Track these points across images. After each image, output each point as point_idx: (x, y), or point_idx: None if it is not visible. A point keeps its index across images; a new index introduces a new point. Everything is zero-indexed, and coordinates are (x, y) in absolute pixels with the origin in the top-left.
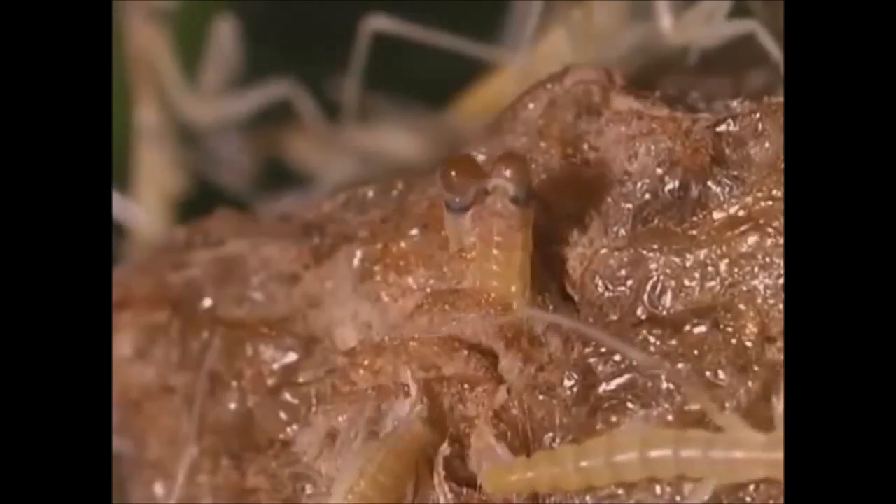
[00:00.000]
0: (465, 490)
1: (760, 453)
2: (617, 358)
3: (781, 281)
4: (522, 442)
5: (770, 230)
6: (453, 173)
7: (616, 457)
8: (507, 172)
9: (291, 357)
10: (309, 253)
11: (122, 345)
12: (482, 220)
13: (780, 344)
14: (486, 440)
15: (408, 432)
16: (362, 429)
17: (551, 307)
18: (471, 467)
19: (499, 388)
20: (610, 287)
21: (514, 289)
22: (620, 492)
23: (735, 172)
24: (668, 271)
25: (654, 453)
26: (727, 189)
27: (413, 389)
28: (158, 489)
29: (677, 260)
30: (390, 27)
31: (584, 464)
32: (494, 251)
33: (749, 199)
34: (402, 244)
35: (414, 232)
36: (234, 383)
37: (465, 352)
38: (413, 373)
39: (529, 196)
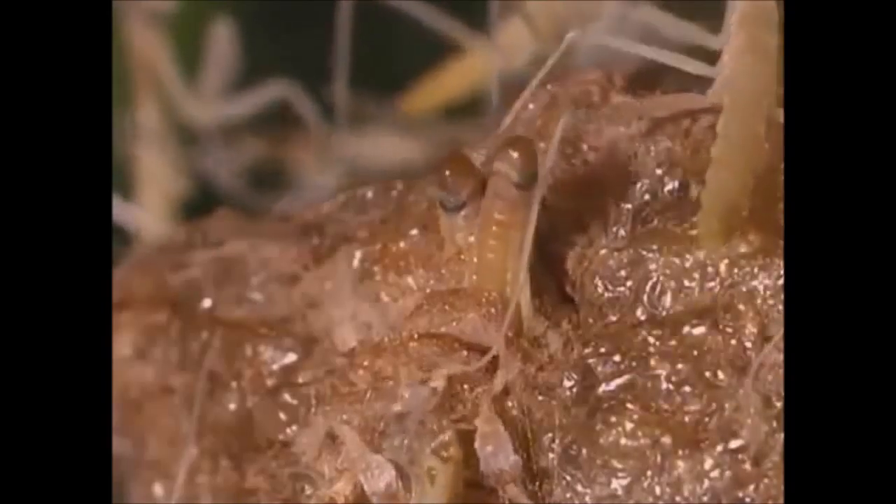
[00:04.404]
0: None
1: None
2: (617, 358)
3: (781, 281)
4: (522, 442)
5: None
6: (448, 172)
7: None
8: (514, 155)
9: (291, 357)
10: (309, 253)
11: (122, 345)
12: (484, 199)
13: (780, 344)
14: (492, 425)
15: (446, 454)
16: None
17: (550, 308)
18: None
19: (496, 375)
20: (610, 287)
21: (509, 276)
22: (620, 492)
23: None
24: (667, 271)
25: None
26: None
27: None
28: (158, 489)
29: (677, 260)
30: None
31: None
32: (494, 228)
33: None
34: (402, 244)
35: (413, 232)
36: (234, 384)
37: (465, 352)
38: (412, 373)
39: (533, 180)
